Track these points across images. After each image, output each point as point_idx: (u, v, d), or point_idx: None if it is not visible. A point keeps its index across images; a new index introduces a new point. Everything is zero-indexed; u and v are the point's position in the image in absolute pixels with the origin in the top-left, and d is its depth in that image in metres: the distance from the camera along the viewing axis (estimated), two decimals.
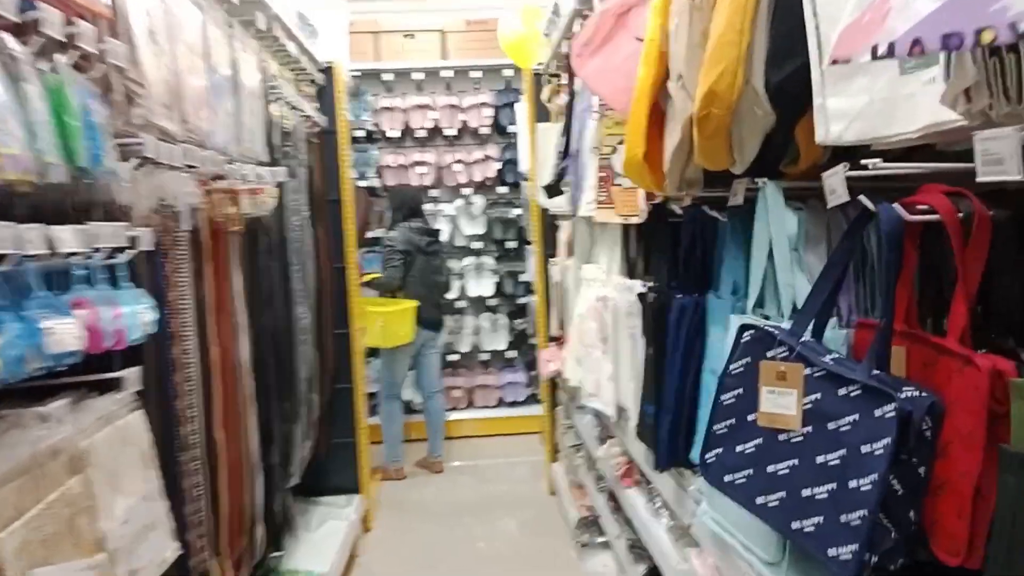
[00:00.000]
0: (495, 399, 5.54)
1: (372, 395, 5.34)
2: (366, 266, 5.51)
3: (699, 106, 1.32)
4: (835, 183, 1.10)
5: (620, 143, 1.99)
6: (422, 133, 5.49)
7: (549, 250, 4.24)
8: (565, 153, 3.11)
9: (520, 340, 5.59)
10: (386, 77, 5.46)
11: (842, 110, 1.05)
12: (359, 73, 5.37)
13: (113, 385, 1.50)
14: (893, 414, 0.97)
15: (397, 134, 5.48)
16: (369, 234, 5.49)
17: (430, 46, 5.52)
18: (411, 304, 4.43)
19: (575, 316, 2.81)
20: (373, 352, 4.70)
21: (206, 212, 2.05)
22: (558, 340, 4.03)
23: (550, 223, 4.14)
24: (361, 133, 5.45)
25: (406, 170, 5.53)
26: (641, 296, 2.05)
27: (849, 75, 1.03)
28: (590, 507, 3.50)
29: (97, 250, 1.41)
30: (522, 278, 5.52)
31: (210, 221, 2.10)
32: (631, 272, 2.41)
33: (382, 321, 4.24)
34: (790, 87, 1.20)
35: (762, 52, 1.24)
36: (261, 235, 2.57)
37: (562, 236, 3.94)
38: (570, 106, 3.07)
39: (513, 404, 5.54)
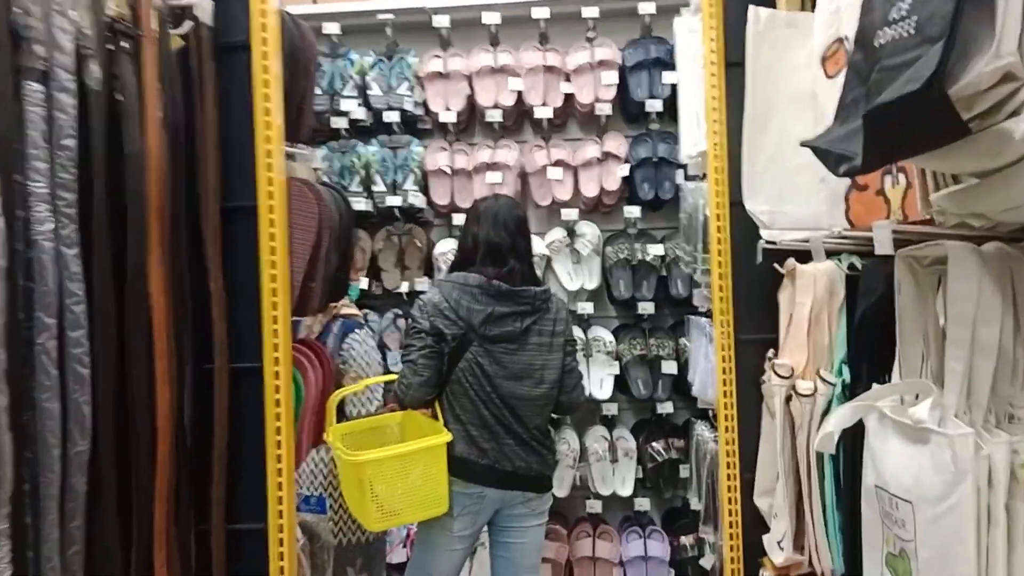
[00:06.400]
0: None
1: (399, 567, 3.05)
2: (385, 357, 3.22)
3: None
4: None
5: None
6: (496, 115, 3.22)
7: (750, 328, 1.86)
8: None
9: (659, 479, 3.14)
10: (439, 22, 3.24)
11: None
12: (391, 16, 3.21)
13: None
14: None
15: (454, 118, 3.24)
16: (405, 285, 3.25)
17: None
18: (431, 441, 1.99)
19: None
20: None
21: None
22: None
23: (757, 269, 1.76)
24: (395, 117, 3.25)
25: (469, 177, 3.27)
26: None
27: None
28: None
29: None
30: (665, 368, 3.10)
31: None
32: None
33: (358, 475, 1.83)
34: None
35: None
36: None
37: (804, 301, 1.55)
38: None
39: None
